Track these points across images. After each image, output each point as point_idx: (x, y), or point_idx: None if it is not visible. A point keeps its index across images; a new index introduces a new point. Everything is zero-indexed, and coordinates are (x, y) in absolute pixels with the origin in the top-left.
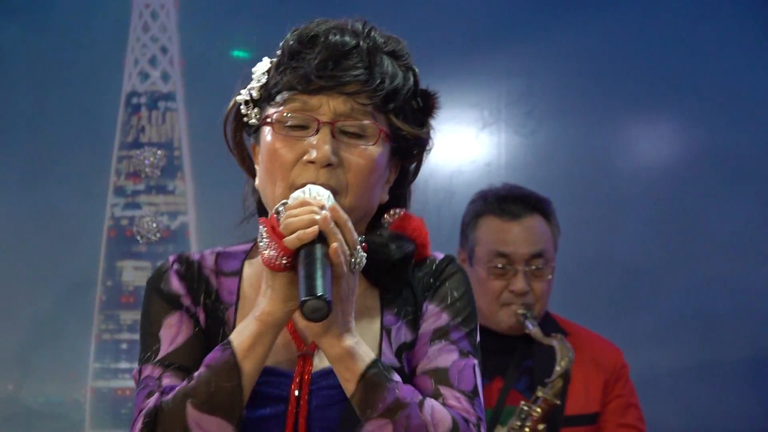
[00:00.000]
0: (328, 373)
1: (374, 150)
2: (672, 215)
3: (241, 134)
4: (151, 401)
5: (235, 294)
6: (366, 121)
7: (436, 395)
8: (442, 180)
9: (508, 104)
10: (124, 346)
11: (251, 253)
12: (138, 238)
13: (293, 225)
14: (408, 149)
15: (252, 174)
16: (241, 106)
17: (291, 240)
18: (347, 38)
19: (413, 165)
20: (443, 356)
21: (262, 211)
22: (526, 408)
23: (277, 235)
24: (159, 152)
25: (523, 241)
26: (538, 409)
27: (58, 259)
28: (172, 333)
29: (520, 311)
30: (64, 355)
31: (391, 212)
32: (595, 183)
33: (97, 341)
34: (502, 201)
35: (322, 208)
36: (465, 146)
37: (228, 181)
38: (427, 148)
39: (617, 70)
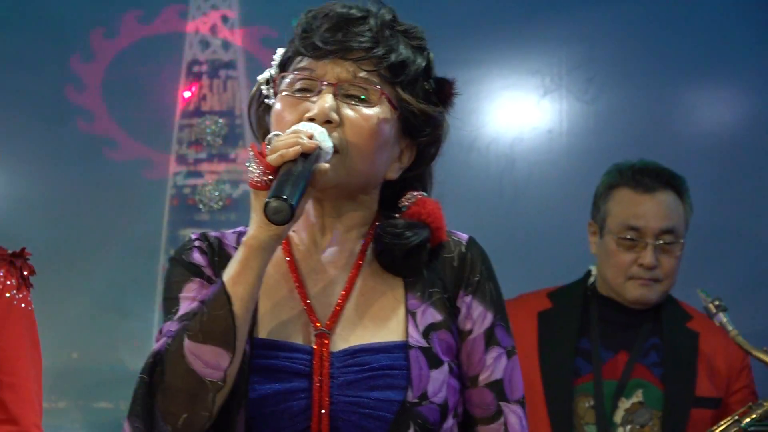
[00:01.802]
0: (354, 352)
1: (376, 112)
2: (735, 181)
3: (264, 116)
4: (158, 344)
5: None
6: (369, 86)
7: (498, 413)
8: (504, 147)
9: (569, 71)
10: None
11: None
12: (200, 206)
13: (278, 146)
14: (418, 127)
15: None
16: (263, 87)
17: (274, 157)
18: (355, 11)
19: (431, 148)
20: (498, 366)
21: None
22: (737, 418)
23: (263, 155)
24: (220, 120)
25: (655, 214)
26: (746, 424)
27: (121, 228)
28: (191, 296)
29: (716, 302)
30: (128, 324)
31: (408, 196)
32: (657, 149)
33: (161, 309)
34: (637, 173)
35: (311, 137)
36: (526, 113)
37: None
38: (442, 131)
39: (679, 35)
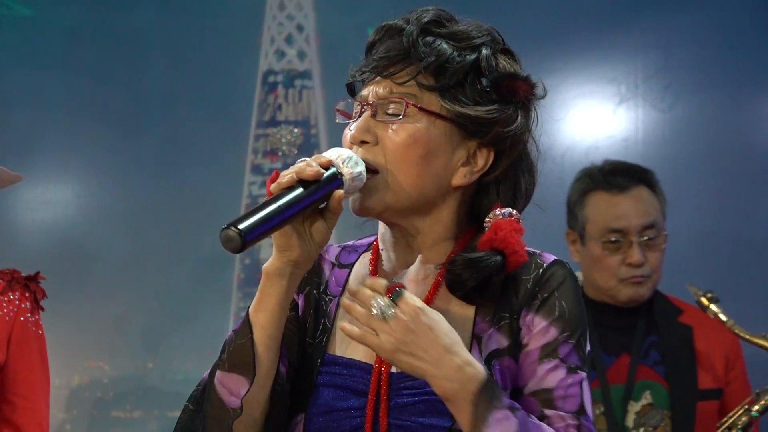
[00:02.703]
0: (408, 375)
1: (411, 125)
2: None
3: None
4: (207, 372)
5: (341, 286)
6: (399, 99)
7: (542, 418)
8: (579, 156)
9: (645, 78)
10: None
11: (372, 245)
12: None
13: (283, 173)
14: (472, 129)
15: None
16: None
17: (273, 186)
18: (398, 22)
19: (508, 148)
20: (551, 376)
21: None
22: (746, 407)
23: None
24: (296, 130)
25: (634, 212)
26: (756, 413)
27: (197, 237)
28: None
29: (708, 295)
30: (203, 333)
31: (491, 215)
32: (732, 158)
33: (236, 319)
34: (608, 174)
35: (329, 163)
36: (602, 121)
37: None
38: (509, 129)
39: (755, 43)
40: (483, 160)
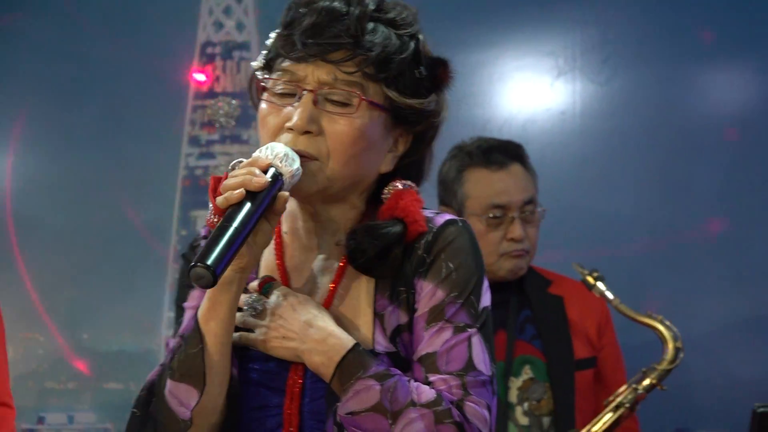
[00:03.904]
0: None
1: (357, 118)
2: (747, 165)
3: (260, 98)
4: (151, 374)
5: (254, 274)
6: (349, 90)
7: (426, 384)
8: (516, 129)
9: (583, 52)
10: None
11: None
12: None
13: (227, 185)
14: (409, 119)
15: None
16: (257, 72)
17: (220, 200)
18: (337, 4)
19: (428, 134)
20: (435, 340)
21: None
22: (634, 386)
23: (215, 193)
24: (233, 102)
25: (515, 188)
26: (642, 390)
27: (133, 209)
28: (193, 306)
29: (594, 273)
30: (139, 305)
31: (389, 187)
32: (670, 131)
33: (172, 290)
34: (487, 152)
35: (269, 167)
36: (539, 95)
37: None
38: (438, 118)
39: (693, 16)
40: (404, 145)
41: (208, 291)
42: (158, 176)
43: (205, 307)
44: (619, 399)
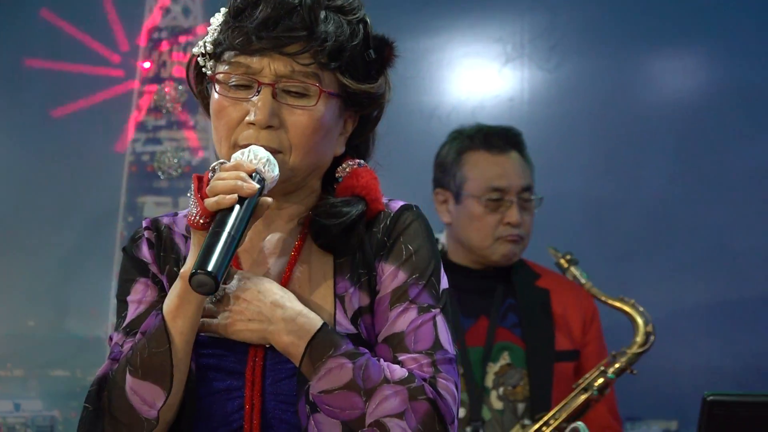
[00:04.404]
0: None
1: (317, 110)
2: (695, 152)
3: (202, 84)
4: (102, 368)
5: None
6: (307, 82)
7: (395, 363)
8: (465, 115)
9: (531, 39)
10: None
11: None
12: (159, 173)
13: (217, 188)
14: (360, 102)
15: None
16: (199, 58)
17: (210, 202)
18: None
19: (374, 113)
20: (401, 320)
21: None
22: (602, 368)
23: (201, 194)
24: (180, 87)
25: (514, 173)
26: (612, 374)
27: (79, 195)
28: (137, 299)
29: (567, 257)
30: (85, 291)
31: (343, 166)
32: (618, 119)
33: (117, 278)
34: (488, 136)
35: (254, 172)
36: (488, 81)
37: None
38: (385, 100)
39: (641, 3)
40: (351, 126)
41: (177, 288)
42: (105, 161)
43: (174, 304)
44: (587, 382)
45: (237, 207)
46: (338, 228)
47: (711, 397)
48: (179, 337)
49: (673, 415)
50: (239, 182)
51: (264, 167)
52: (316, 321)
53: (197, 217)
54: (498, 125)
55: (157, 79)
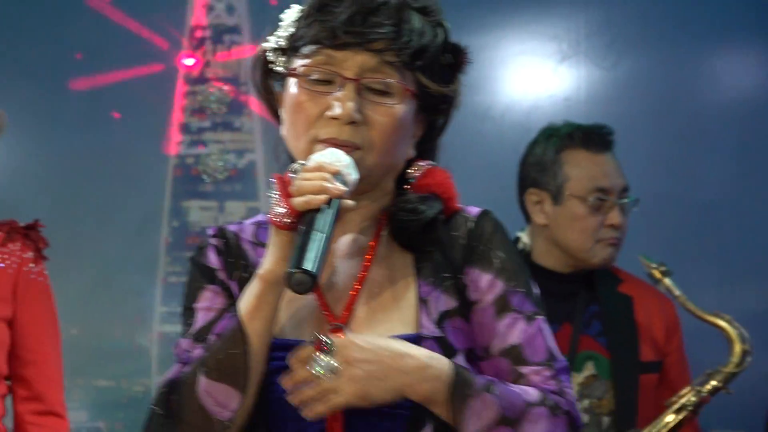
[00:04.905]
0: None
1: (399, 108)
2: (757, 151)
3: (268, 80)
4: (172, 372)
5: None
6: (391, 79)
7: (517, 377)
8: (519, 115)
9: (588, 36)
10: None
11: None
12: (204, 176)
13: (304, 188)
14: (435, 105)
15: (278, 120)
16: (268, 53)
17: (299, 202)
18: None
19: (441, 120)
20: (513, 332)
21: (294, 160)
22: (697, 388)
23: (286, 194)
24: (225, 88)
25: (615, 173)
26: (706, 393)
27: (123, 200)
28: (206, 307)
29: (661, 268)
30: (130, 299)
31: (415, 167)
32: (677, 117)
33: (164, 284)
34: (587, 134)
35: (337, 173)
36: (543, 80)
37: None
38: (456, 105)
39: None
40: (420, 130)
41: (254, 288)
42: (149, 165)
43: (251, 305)
44: (682, 401)
45: (326, 208)
46: (417, 225)
47: None
48: (256, 338)
49: (739, 427)
50: (326, 183)
51: (345, 170)
52: (444, 361)
53: (284, 217)
54: (591, 123)
55: (202, 79)
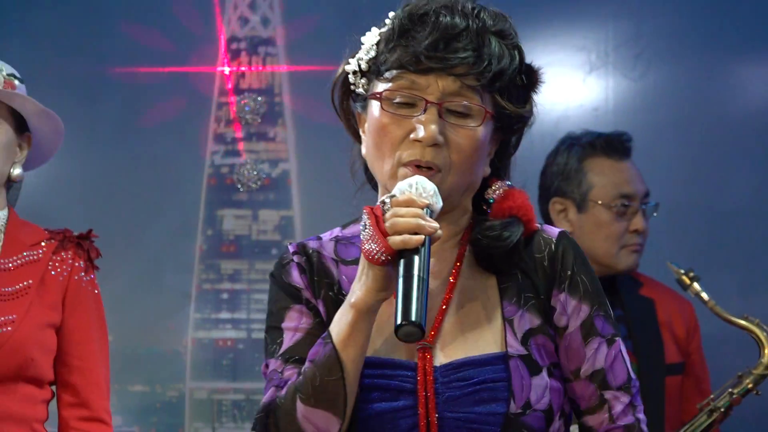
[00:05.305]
0: (456, 366)
1: (479, 130)
2: None
3: (348, 101)
4: (267, 396)
5: None
6: (472, 102)
7: (602, 402)
8: (548, 125)
9: (616, 47)
10: (224, 296)
11: None
12: (239, 186)
13: (399, 226)
14: (510, 125)
15: (357, 139)
16: (349, 75)
17: (396, 242)
18: (457, 20)
19: (515, 138)
20: (598, 356)
21: (370, 178)
22: (729, 390)
23: (381, 231)
24: (259, 98)
25: (637, 179)
26: (738, 395)
27: (158, 208)
28: (293, 327)
29: (690, 274)
30: (165, 306)
31: (494, 187)
32: (705, 128)
33: (198, 291)
34: (608, 142)
35: (426, 207)
36: (572, 91)
37: (329, 127)
38: (529, 123)
39: (728, 10)
40: (494, 149)
41: (348, 316)
42: (184, 174)
43: (345, 333)
44: (714, 403)
45: (421, 248)
46: (501, 251)
47: None
48: (351, 365)
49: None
50: (421, 221)
51: (432, 200)
52: None
53: (380, 255)
54: (611, 131)
55: (237, 90)
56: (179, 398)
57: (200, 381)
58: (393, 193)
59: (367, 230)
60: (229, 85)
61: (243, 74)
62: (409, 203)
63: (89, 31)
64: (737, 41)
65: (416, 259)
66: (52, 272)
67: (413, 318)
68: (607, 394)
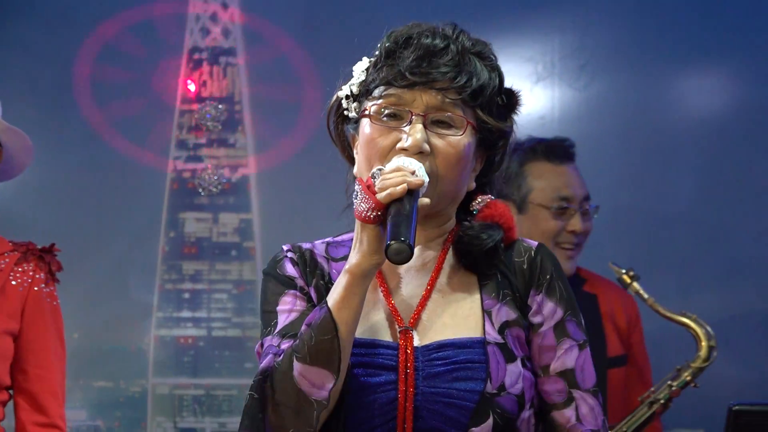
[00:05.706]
0: (437, 347)
1: (462, 139)
2: (720, 168)
3: (342, 126)
4: (265, 362)
5: None
6: (455, 113)
7: (570, 399)
8: None
9: (561, 58)
10: (186, 295)
11: None
12: (200, 190)
13: (386, 184)
14: (493, 141)
15: (352, 162)
16: (342, 101)
17: (383, 195)
18: (438, 41)
19: (497, 156)
20: (569, 356)
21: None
22: (669, 383)
23: (371, 191)
24: (220, 106)
25: (577, 183)
26: (677, 387)
27: (123, 211)
28: (287, 309)
29: (630, 273)
30: (128, 305)
31: (479, 199)
32: (646, 136)
33: (160, 291)
34: (549, 147)
35: (413, 173)
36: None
37: (286, 134)
38: (510, 141)
39: (669, 23)
40: (479, 165)
41: (343, 280)
42: (146, 178)
43: (340, 296)
44: (654, 395)
45: (407, 197)
46: (480, 250)
47: (737, 407)
48: (344, 326)
49: (700, 425)
50: (407, 177)
51: (419, 171)
52: None
53: (369, 212)
54: (553, 137)
55: (198, 98)
56: (142, 393)
57: (162, 377)
58: (381, 167)
59: (358, 196)
60: (192, 94)
61: (204, 83)
62: (397, 169)
63: (57, 39)
64: (677, 53)
65: (407, 203)
66: (13, 282)
67: (404, 238)
68: (576, 393)
